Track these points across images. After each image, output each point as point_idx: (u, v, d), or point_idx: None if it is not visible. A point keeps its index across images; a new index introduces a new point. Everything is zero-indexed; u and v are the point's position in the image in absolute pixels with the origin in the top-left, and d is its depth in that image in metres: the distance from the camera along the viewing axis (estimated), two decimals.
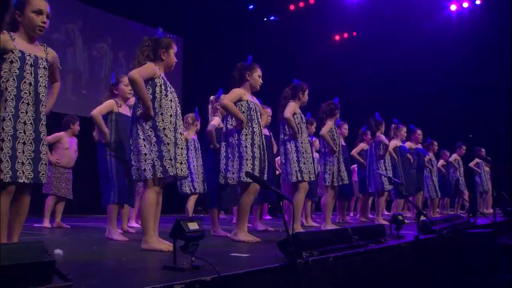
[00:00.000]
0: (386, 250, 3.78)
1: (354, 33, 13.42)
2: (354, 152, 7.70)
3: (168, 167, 3.39)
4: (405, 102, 12.03)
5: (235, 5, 12.11)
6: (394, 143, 7.29)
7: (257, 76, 4.26)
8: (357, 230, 3.62)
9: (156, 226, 3.61)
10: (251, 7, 12.81)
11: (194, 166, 5.83)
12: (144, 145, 3.40)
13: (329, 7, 12.67)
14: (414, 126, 8.03)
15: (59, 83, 3.26)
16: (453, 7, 12.33)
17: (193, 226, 2.57)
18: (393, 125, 7.47)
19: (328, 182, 5.72)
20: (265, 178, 4.21)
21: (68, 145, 6.13)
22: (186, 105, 8.80)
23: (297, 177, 4.87)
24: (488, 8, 11.69)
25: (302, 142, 4.95)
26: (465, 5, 12.16)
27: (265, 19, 13.36)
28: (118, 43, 10.89)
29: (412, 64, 12.12)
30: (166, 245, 3.41)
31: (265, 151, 4.27)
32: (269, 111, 5.61)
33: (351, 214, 9.65)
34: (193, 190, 5.83)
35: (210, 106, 5.27)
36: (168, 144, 3.41)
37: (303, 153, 4.93)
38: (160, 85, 3.49)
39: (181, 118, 3.63)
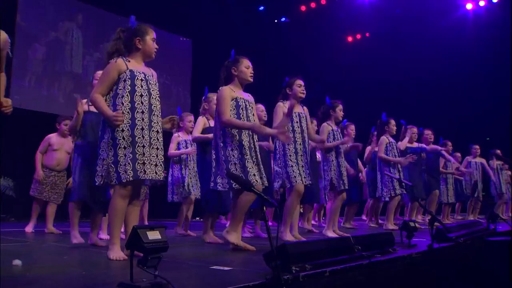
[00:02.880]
0: (394, 262, 3.22)
1: (367, 34, 12.84)
2: (366, 158, 7.21)
3: (129, 171, 2.94)
4: (419, 103, 11.44)
5: (245, 7, 11.65)
6: (403, 143, 6.71)
7: (244, 68, 3.78)
8: (360, 239, 3.07)
9: None
10: (261, 8, 12.32)
11: (189, 168, 5.36)
12: (104, 149, 3.02)
13: (341, 7, 12.13)
14: (422, 128, 7.40)
15: (4, 75, 2.78)
16: (469, 6, 11.68)
17: (153, 235, 2.07)
18: (402, 127, 6.88)
19: (341, 187, 5.16)
20: (264, 179, 3.70)
21: (57, 146, 5.67)
22: (196, 106, 8.36)
23: (282, 184, 4.38)
24: (506, 6, 10.99)
25: (289, 144, 4.38)
26: (482, 3, 11.50)
27: (275, 20, 12.84)
28: None
29: (427, 65, 11.54)
30: None
31: (257, 151, 3.76)
32: (260, 107, 5.11)
33: (364, 218, 9.05)
34: (184, 194, 5.34)
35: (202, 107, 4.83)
36: (131, 146, 2.97)
37: (290, 155, 4.38)
38: (125, 80, 3.05)
39: (159, 115, 3.16)
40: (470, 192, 8.58)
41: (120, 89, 3.03)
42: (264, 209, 2.30)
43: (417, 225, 4.05)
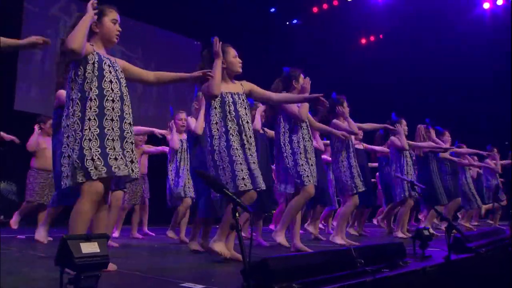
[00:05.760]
0: (405, 277, 2.67)
1: (381, 36, 12.27)
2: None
3: (100, 167, 2.46)
4: (434, 105, 10.83)
5: (257, 9, 11.17)
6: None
7: (232, 58, 3.31)
8: (364, 251, 2.54)
9: None
10: (272, 10, 11.84)
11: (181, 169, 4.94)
12: (68, 144, 2.53)
13: (354, 9, 11.57)
14: (441, 128, 6.78)
15: None
16: (486, 5, 11.02)
17: (89, 248, 1.59)
18: (423, 126, 6.27)
19: (353, 191, 4.64)
20: (259, 184, 3.21)
21: (46, 145, 5.34)
22: None
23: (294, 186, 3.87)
24: None
25: (298, 141, 3.89)
26: (500, 2, 10.84)
27: (287, 22, 12.33)
28: (133, 47, 10.06)
29: (442, 67, 10.93)
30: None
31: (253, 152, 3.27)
32: (262, 107, 4.67)
33: (375, 223, 8.48)
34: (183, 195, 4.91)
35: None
36: (98, 138, 2.50)
37: (300, 153, 3.87)
38: (93, 63, 2.59)
39: (130, 105, 2.70)
40: (491, 197, 7.93)
41: (88, 72, 2.57)
42: (237, 216, 1.80)
43: (433, 232, 3.51)
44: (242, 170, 3.09)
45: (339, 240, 4.61)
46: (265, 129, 4.82)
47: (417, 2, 10.77)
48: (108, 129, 2.53)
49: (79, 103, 2.53)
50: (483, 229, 5.80)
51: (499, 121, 10.62)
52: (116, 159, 2.51)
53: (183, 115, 4.96)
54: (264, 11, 11.70)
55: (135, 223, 5.98)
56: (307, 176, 3.82)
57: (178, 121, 4.93)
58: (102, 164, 2.46)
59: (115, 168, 2.49)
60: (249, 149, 3.20)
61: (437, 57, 10.93)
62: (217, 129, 3.16)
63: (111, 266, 2.58)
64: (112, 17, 2.73)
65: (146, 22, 10.11)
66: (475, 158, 8.50)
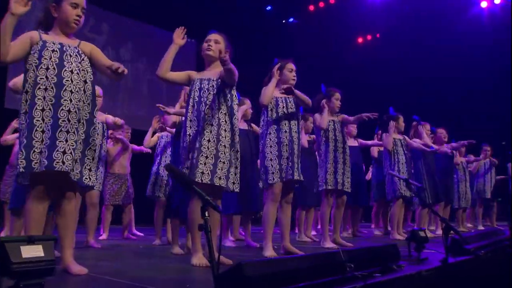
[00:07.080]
0: (399, 282, 2.45)
1: (378, 35, 12.06)
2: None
3: (20, 160, 2.29)
4: (432, 105, 10.62)
5: (253, 7, 10.95)
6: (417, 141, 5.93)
7: (204, 44, 3.16)
8: (354, 254, 2.32)
9: (68, 242, 2.44)
10: (269, 8, 11.62)
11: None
12: (21, 135, 2.38)
13: (351, 7, 11.36)
14: (434, 127, 6.54)
15: None
16: (483, 4, 10.82)
17: (31, 252, 1.37)
18: (414, 123, 6.06)
19: (322, 187, 4.40)
20: (237, 180, 3.00)
21: None
22: None
23: (273, 179, 3.52)
24: None
25: (271, 133, 3.59)
26: (497, 1, 10.64)
27: (283, 21, 12.12)
28: (130, 46, 9.84)
29: (439, 65, 10.72)
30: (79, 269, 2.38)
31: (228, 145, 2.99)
32: (248, 102, 4.48)
33: (373, 226, 8.24)
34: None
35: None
36: (27, 130, 2.32)
37: (271, 146, 3.56)
38: (35, 52, 2.40)
39: (76, 90, 2.41)
40: (490, 196, 7.71)
41: (28, 64, 2.39)
42: (206, 215, 1.59)
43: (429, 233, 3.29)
44: (203, 162, 2.83)
45: (328, 243, 4.38)
46: (252, 124, 4.61)
47: (414, 1, 10.59)
48: (37, 120, 2.33)
49: (24, 95, 2.39)
50: (481, 230, 5.59)
51: (499, 121, 10.44)
52: (41, 152, 2.30)
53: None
54: (260, 9, 11.49)
55: (126, 224, 5.76)
56: (273, 173, 3.49)
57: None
58: (23, 157, 2.29)
59: (35, 163, 2.29)
60: (209, 140, 2.88)
61: (434, 56, 10.74)
62: (190, 120, 3.02)
63: (82, 270, 2.40)
64: (72, 0, 2.50)
65: (142, 20, 9.91)
66: (472, 157, 8.30)
